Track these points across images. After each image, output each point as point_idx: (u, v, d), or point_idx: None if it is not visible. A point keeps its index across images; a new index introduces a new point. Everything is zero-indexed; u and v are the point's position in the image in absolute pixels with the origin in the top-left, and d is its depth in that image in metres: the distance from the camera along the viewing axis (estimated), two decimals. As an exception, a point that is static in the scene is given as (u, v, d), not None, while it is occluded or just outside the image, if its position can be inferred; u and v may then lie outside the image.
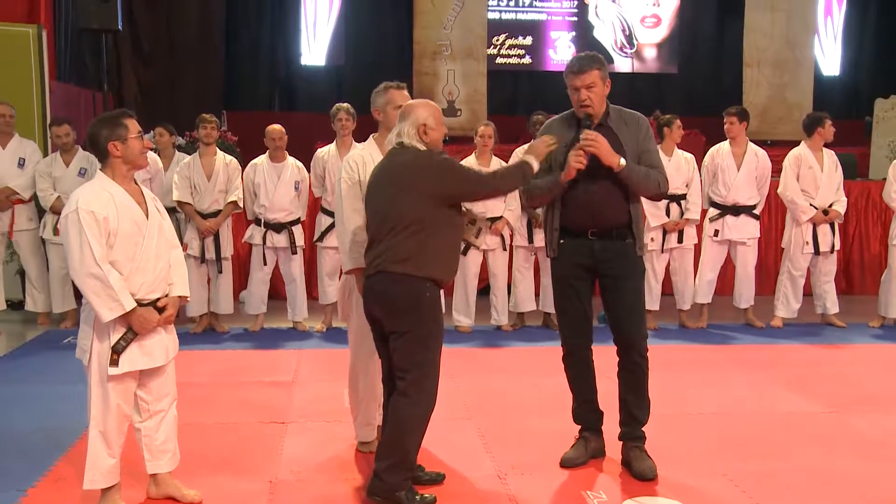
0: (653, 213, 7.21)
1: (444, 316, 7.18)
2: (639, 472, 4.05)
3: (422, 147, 3.66)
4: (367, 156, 4.09)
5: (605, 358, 4.22)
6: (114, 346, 3.41)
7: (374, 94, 4.17)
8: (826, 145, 7.39)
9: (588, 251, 3.99)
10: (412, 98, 4.14)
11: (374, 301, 3.61)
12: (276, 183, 7.11)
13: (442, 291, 7.03)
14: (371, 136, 4.25)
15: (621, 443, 4.19)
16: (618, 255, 3.98)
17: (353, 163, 4.06)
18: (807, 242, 7.34)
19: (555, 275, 4.13)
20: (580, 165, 3.86)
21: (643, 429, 4.17)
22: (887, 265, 7.61)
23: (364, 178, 3.98)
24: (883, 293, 7.60)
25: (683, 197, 7.28)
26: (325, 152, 7.20)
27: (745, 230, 7.40)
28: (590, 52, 4.04)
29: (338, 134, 7.11)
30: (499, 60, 14.25)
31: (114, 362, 3.40)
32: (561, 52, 14.41)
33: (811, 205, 7.28)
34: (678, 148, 7.34)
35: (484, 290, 7.62)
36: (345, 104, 7.11)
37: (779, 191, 7.40)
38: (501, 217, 7.06)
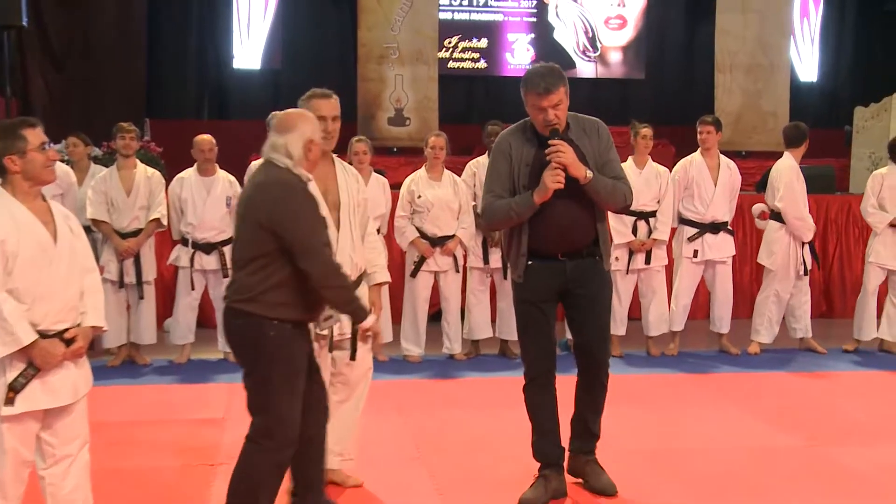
0: (618, 230, 7.26)
1: (390, 345, 7.21)
2: (600, 487, 4.21)
3: (297, 168, 3.58)
4: None
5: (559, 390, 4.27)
6: (10, 383, 3.31)
7: (299, 103, 4.15)
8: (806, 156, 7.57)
9: (560, 272, 4.12)
10: (338, 108, 4.15)
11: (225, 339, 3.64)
12: (206, 199, 7.03)
13: (389, 318, 6.95)
14: None
15: (569, 455, 4.33)
16: (587, 272, 4.13)
17: None
18: (801, 263, 7.47)
19: (521, 297, 4.21)
20: (559, 185, 3.96)
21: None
22: (862, 285, 7.75)
23: None
24: (857, 315, 7.74)
25: (653, 214, 7.35)
26: (260, 165, 7.15)
27: (724, 248, 7.50)
28: (549, 64, 4.13)
29: (273, 144, 7.06)
30: (451, 65, 14.32)
31: (9, 401, 3.30)
32: (519, 55, 14.54)
33: None
34: (652, 160, 7.42)
35: (435, 315, 7.60)
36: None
37: (782, 206, 7.35)
38: (454, 235, 7.07)
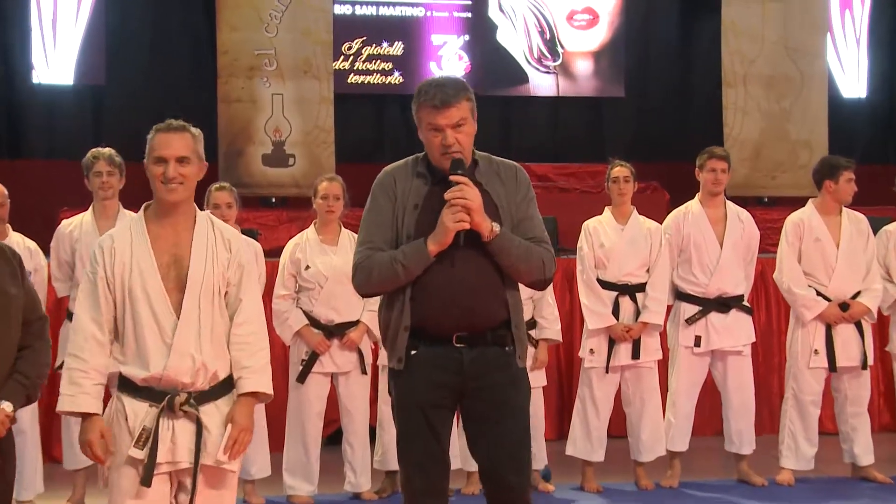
0: (594, 310, 7.43)
1: (268, 480, 7.20)
2: None
3: None
4: (122, 237, 4.18)
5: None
6: None
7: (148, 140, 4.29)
8: (853, 204, 7.75)
9: (454, 365, 4.22)
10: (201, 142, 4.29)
11: None
12: (-6, 274, 7.01)
13: (265, 444, 6.97)
14: (144, 205, 4.34)
15: None
16: (494, 367, 4.24)
17: (99, 250, 4.17)
18: (815, 352, 7.61)
19: (400, 398, 4.30)
20: (464, 225, 4.12)
21: None
22: None
23: (119, 274, 4.11)
24: None
25: (641, 288, 7.51)
26: (76, 226, 7.15)
27: (739, 333, 7.65)
28: (449, 76, 4.31)
29: (95, 196, 7.10)
30: (353, 79, 14.40)
31: None
32: (448, 65, 14.61)
33: (820, 294, 7.55)
34: (638, 212, 7.62)
35: (333, 436, 7.61)
36: (106, 149, 7.10)
37: (774, 276, 7.74)
38: (358, 322, 7.18)
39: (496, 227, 4.16)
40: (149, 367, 4.11)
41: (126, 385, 4.14)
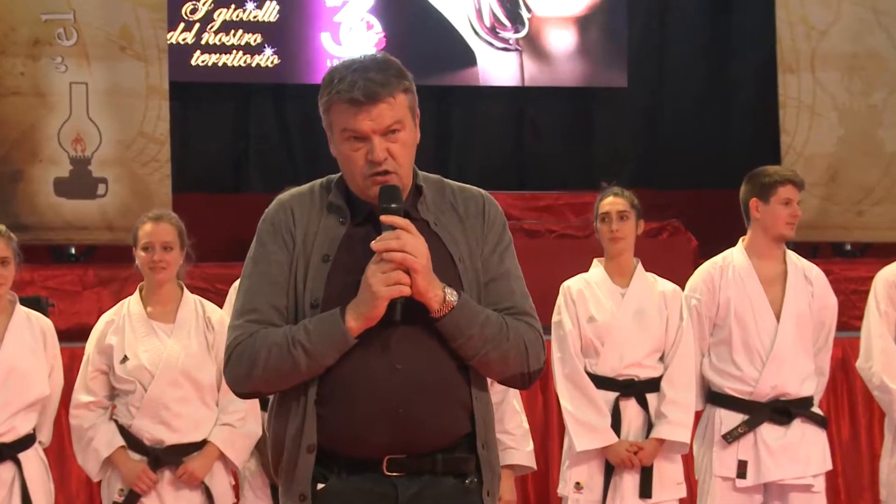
0: (581, 420, 7.44)
1: None
2: None
3: None
4: None
5: None
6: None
7: None
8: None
9: (384, 502, 4.11)
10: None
11: None
12: None
13: None
14: None
15: None
16: None
17: None
18: None
19: None
20: (401, 290, 4.00)
21: None
22: None
23: None
24: None
25: (653, 386, 7.57)
26: None
27: (807, 457, 7.66)
28: (375, 54, 4.23)
29: None
30: (199, 60, 14.57)
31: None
32: (351, 38, 14.82)
33: None
34: (643, 266, 7.66)
35: None
36: None
37: (858, 364, 7.77)
38: (206, 442, 7.11)
39: (451, 296, 4.04)
40: None
41: None
